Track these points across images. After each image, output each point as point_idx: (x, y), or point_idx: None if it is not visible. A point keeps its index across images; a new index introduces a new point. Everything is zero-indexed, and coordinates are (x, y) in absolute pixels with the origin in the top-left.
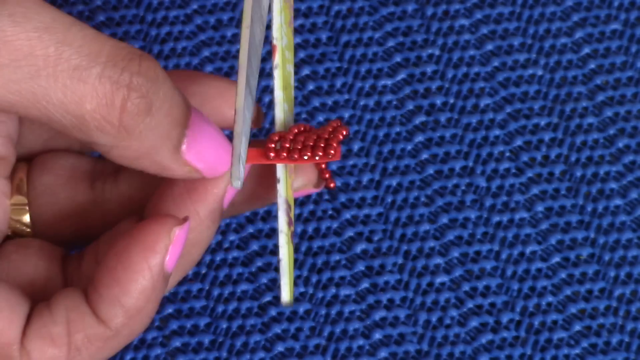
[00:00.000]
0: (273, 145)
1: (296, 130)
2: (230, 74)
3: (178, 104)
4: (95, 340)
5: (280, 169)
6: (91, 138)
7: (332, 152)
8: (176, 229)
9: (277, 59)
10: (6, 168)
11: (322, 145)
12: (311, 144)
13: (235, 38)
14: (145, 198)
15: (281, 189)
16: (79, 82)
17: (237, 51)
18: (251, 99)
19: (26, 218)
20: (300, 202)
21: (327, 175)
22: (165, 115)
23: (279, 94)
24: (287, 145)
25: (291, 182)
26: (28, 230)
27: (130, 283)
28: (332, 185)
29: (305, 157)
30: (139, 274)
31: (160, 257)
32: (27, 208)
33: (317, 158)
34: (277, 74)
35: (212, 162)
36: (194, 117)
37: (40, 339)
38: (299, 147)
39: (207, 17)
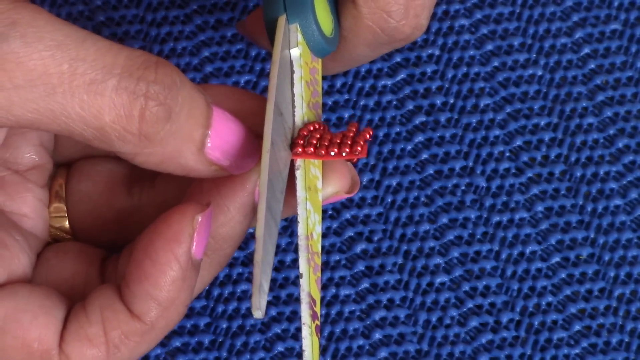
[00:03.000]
0: (301, 142)
1: (311, 128)
2: (230, 74)
3: (198, 105)
4: (132, 335)
5: (304, 265)
6: (114, 148)
7: (359, 149)
8: (198, 216)
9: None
10: (42, 176)
11: (349, 142)
12: (338, 141)
13: (235, 38)
14: None
15: (304, 283)
16: (95, 95)
17: (237, 51)
18: (274, 224)
19: (66, 225)
20: None
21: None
22: (186, 119)
23: (301, 194)
24: (314, 142)
25: (317, 218)
26: (69, 237)
27: (159, 276)
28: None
29: (332, 154)
30: (166, 266)
31: (186, 246)
32: (66, 215)
33: (344, 155)
34: (299, 174)
35: (238, 158)
36: (216, 115)
37: (78, 341)
38: (326, 144)
39: (207, 17)
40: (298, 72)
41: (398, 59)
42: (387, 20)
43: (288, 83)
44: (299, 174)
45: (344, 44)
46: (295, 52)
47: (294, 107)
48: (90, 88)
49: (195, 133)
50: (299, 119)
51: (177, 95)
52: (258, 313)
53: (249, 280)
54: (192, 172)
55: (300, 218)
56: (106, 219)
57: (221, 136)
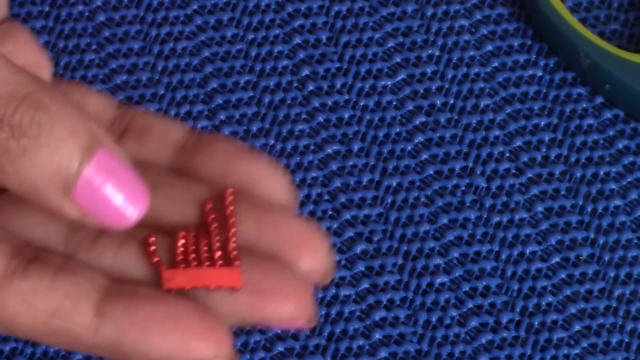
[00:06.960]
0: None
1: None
2: (230, 74)
3: (66, 146)
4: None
5: None
6: None
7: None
8: None
9: None
10: None
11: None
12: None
13: (235, 38)
14: None
15: None
16: None
17: (237, 51)
18: None
19: None
20: (300, 203)
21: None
22: (48, 158)
23: None
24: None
25: None
26: None
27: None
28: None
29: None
30: None
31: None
32: None
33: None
34: None
35: (106, 212)
36: (98, 157)
37: None
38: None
39: (207, 17)
40: None
41: (398, 59)
42: None
43: None
44: None
45: None
46: None
47: None
48: None
49: (57, 176)
50: None
51: (38, 132)
52: None
53: None
54: (61, 216)
55: None
56: None
57: (95, 180)
